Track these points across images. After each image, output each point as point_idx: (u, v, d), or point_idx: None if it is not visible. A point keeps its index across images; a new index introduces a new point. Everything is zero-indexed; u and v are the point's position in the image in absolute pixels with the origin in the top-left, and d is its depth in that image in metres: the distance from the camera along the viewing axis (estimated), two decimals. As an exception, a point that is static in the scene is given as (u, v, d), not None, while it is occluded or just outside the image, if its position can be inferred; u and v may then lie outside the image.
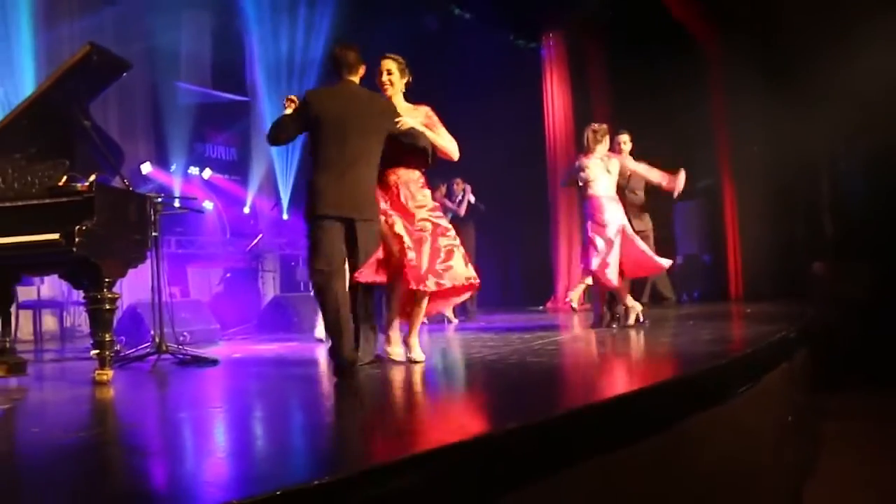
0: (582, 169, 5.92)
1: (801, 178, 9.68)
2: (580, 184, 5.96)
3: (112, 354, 3.67)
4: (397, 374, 3.86)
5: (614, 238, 5.67)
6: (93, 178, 3.73)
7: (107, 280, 3.54)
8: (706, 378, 3.21)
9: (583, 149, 6.07)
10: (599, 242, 5.67)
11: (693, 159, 8.55)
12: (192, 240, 9.59)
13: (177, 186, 9.34)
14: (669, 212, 10.59)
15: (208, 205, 9.55)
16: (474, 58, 10.37)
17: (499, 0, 9.73)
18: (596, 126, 6.10)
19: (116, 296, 3.64)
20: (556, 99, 10.73)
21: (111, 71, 4.17)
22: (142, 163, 8.92)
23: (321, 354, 5.12)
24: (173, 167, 9.57)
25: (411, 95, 9.72)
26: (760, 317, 6.15)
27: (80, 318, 7.81)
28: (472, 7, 10.33)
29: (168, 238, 9.26)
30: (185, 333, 5.99)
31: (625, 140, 6.62)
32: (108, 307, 3.58)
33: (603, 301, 6.09)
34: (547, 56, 10.81)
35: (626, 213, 6.02)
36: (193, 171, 9.90)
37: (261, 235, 9.02)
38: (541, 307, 9.23)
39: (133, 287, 7.86)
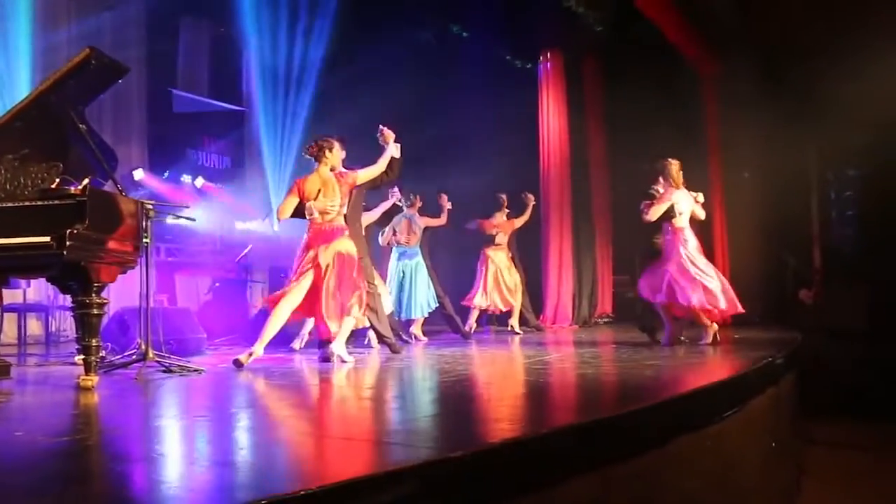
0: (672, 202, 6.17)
1: (792, 204, 9.76)
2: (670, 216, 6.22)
3: (98, 360, 3.64)
4: (384, 387, 3.85)
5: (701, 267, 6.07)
6: (86, 181, 3.72)
7: (96, 285, 3.52)
8: (692, 401, 3.22)
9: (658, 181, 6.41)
10: (688, 274, 5.98)
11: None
12: (181, 248, 9.55)
13: (169, 194, 9.31)
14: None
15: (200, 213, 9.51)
16: (470, 75, 10.42)
17: (496, 19, 9.78)
18: (675, 161, 6.39)
19: (105, 301, 3.62)
20: (551, 119, 10.76)
21: (109, 75, 4.17)
22: (134, 168, 8.90)
23: (306, 366, 5.12)
24: (166, 174, 9.55)
25: (409, 112, 9.79)
26: (749, 342, 6.17)
27: (65, 323, 7.74)
28: (470, 25, 10.40)
29: (157, 245, 9.22)
30: (172, 341, 5.95)
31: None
32: (96, 312, 3.56)
33: (671, 321, 6.26)
34: (543, 75, 10.85)
35: None
36: (186, 178, 9.88)
37: (250, 246, 8.99)
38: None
39: (121, 293, 7.81)
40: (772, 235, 9.86)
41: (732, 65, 9.86)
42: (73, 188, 3.53)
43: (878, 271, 9.18)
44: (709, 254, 9.83)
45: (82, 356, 3.59)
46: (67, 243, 3.31)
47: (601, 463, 2.50)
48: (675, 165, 6.37)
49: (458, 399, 3.44)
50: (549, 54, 10.75)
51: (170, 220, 9.28)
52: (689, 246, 6.17)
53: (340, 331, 5.10)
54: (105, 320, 6.74)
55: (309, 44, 10.63)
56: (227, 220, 10.24)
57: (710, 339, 6.06)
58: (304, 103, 11.00)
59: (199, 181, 10.00)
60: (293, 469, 2.11)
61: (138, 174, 8.87)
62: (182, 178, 9.83)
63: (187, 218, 5.64)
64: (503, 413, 2.99)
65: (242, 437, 2.59)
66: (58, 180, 3.54)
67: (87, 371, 3.57)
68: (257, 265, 10.21)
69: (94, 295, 3.52)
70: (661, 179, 6.43)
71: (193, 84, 10.39)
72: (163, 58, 9.63)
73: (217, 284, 8.90)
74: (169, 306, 7.87)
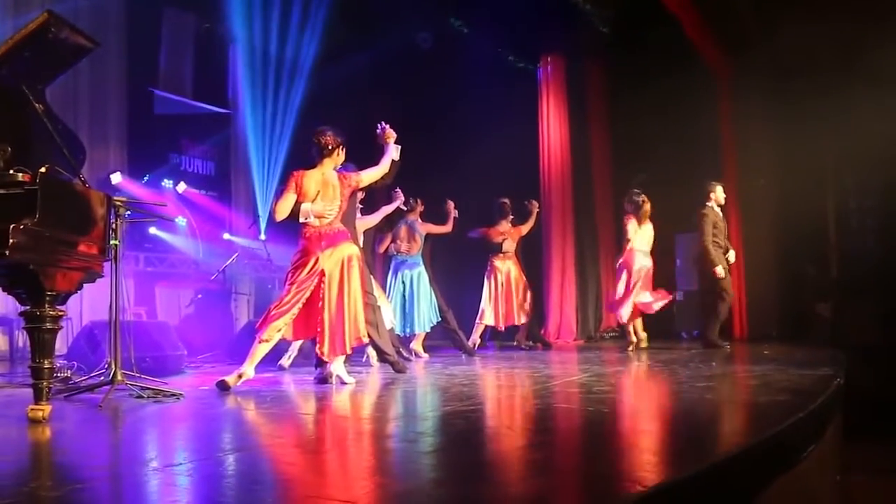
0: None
1: (809, 214, 9.23)
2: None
3: (50, 385, 2.98)
4: (392, 421, 3.23)
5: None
6: (43, 169, 3.09)
7: (49, 294, 2.88)
8: (784, 437, 2.62)
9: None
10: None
11: (697, 190, 8.11)
12: (161, 257, 8.94)
13: (148, 199, 8.67)
14: (671, 244, 10.08)
15: (181, 221, 8.90)
16: (469, 75, 9.87)
17: (498, 14, 9.23)
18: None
19: (61, 314, 2.96)
20: (551, 124, 10.25)
21: (73, 49, 3.53)
22: (112, 172, 8.28)
23: (301, 390, 4.49)
24: (145, 178, 8.92)
25: (404, 113, 9.27)
26: (790, 361, 5.57)
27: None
28: (471, 21, 9.86)
29: (136, 254, 8.61)
30: (148, 359, 5.31)
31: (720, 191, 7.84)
32: (48, 327, 2.91)
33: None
34: (543, 79, 10.34)
35: None
36: (167, 183, 9.25)
37: (236, 254, 8.35)
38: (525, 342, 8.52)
39: (95, 304, 7.16)
40: (789, 244, 9.34)
41: (747, 66, 9.38)
42: (21, 175, 2.88)
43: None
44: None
45: (33, 380, 2.93)
46: (11, 241, 2.68)
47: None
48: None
49: (480, 439, 2.79)
50: (549, 59, 10.26)
51: (152, 231, 8.79)
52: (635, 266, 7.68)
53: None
54: (73, 334, 6.19)
55: (300, 42, 10.05)
56: (212, 227, 9.61)
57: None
58: (293, 106, 10.42)
59: (182, 186, 9.37)
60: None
61: (116, 178, 8.25)
62: (163, 183, 9.20)
63: (167, 218, 4.98)
64: (543, 462, 2.35)
65: (230, 493, 1.97)
66: (1, 164, 2.90)
67: (38, 399, 2.92)
68: (243, 276, 9.60)
69: (46, 306, 2.88)
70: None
71: (176, 84, 9.77)
72: (144, 55, 9.02)
73: (199, 296, 8.26)
74: (147, 320, 7.21)
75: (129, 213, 4.34)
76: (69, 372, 4.74)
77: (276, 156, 10.43)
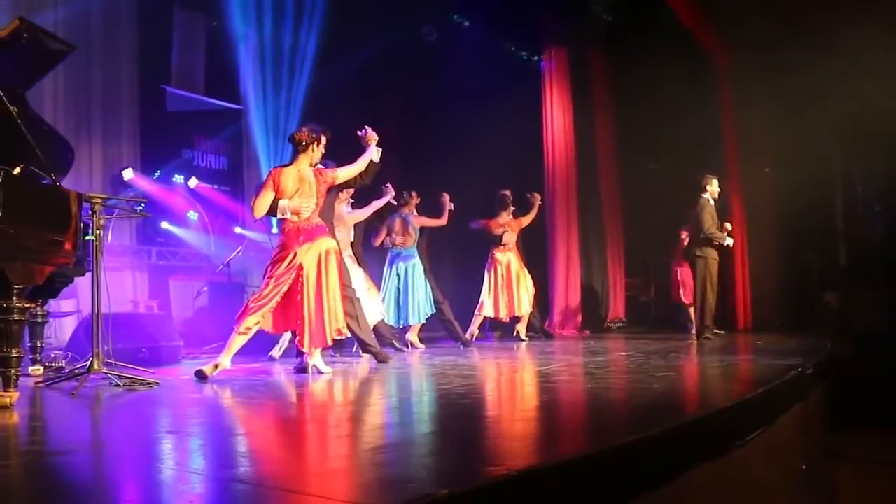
0: None
1: (815, 201, 9.15)
2: None
3: (18, 374, 3.16)
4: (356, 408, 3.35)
5: None
6: (18, 170, 3.25)
7: (16, 287, 3.05)
8: (710, 423, 2.69)
9: None
10: None
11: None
12: (173, 251, 9.15)
13: (159, 195, 8.90)
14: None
15: (193, 215, 9.11)
16: (472, 68, 9.92)
17: (500, 9, 9.28)
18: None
19: (28, 305, 3.14)
20: (555, 116, 10.24)
21: (49, 53, 3.69)
22: (124, 168, 8.51)
23: (276, 379, 4.64)
24: (157, 174, 9.13)
25: (408, 105, 9.30)
26: (773, 351, 5.60)
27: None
28: (473, 16, 9.91)
29: (148, 249, 8.84)
30: (144, 350, 5.52)
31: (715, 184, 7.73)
32: (16, 318, 3.07)
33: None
34: (547, 71, 10.34)
35: None
36: (178, 179, 9.45)
37: (241, 248, 8.52)
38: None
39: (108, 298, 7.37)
40: (794, 234, 9.27)
41: (748, 54, 9.31)
42: (-15, 175, 3.04)
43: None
44: (727, 254, 9.35)
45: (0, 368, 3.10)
46: (-28, 238, 2.85)
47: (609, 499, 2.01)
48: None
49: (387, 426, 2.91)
50: (552, 50, 10.27)
51: (164, 226, 9.00)
52: None
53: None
54: (73, 326, 6.40)
55: (307, 38, 10.20)
56: (224, 221, 9.80)
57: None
58: (302, 100, 10.57)
59: (193, 182, 9.56)
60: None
61: (127, 174, 8.47)
62: (174, 179, 9.40)
63: (143, 214, 5.17)
64: (489, 447, 2.46)
65: (166, 480, 2.10)
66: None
67: (6, 386, 3.10)
68: (253, 268, 9.78)
69: (14, 299, 3.04)
70: None
71: (188, 81, 9.94)
72: (155, 53, 9.21)
73: (205, 289, 8.46)
74: (145, 312, 7.43)
75: (130, 209, 4.52)
76: (63, 362, 4.94)
77: (287, 149, 10.58)
